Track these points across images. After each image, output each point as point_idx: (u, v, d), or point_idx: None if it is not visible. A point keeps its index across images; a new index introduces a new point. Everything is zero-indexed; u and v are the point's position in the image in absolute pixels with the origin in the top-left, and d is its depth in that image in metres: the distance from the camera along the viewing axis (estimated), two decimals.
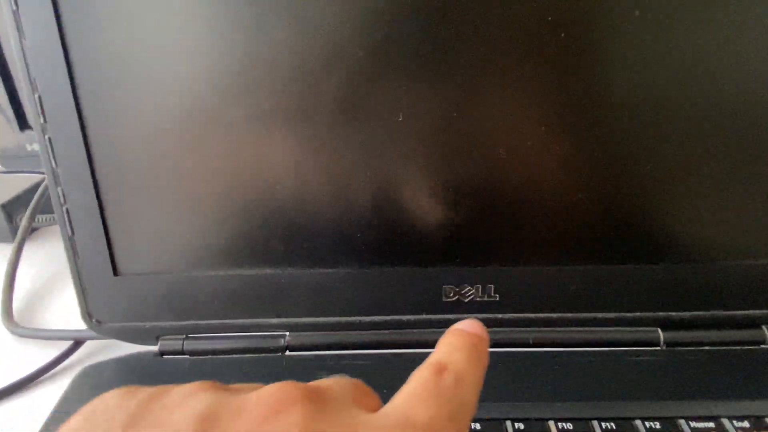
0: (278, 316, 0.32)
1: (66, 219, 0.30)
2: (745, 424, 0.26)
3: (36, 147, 0.50)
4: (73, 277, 0.31)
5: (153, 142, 0.29)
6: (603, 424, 0.27)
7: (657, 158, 0.29)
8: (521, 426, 0.27)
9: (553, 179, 0.30)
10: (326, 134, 0.28)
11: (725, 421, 0.26)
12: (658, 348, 0.31)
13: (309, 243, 0.31)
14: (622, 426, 0.26)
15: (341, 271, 0.31)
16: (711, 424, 0.26)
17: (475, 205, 0.30)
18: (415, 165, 0.29)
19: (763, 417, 0.26)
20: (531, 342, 0.31)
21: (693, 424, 0.26)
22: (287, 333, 0.32)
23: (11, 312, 0.39)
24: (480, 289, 0.31)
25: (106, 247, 0.30)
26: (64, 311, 0.41)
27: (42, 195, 0.45)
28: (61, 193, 0.29)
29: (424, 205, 0.30)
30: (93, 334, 0.35)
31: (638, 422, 0.26)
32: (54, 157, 0.29)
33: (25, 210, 0.45)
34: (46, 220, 0.47)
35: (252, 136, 0.29)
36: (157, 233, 0.30)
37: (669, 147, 0.28)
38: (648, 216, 0.30)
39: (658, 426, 0.26)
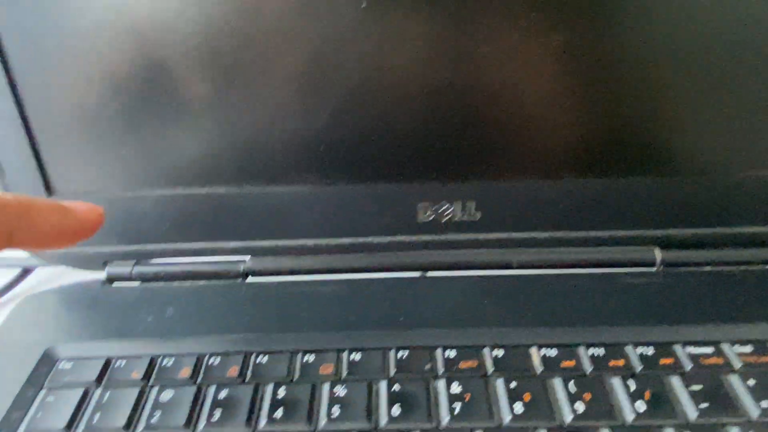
0: (236, 239, 0.29)
1: None
2: (747, 348, 0.24)
3: None
4: None
5: (81, 38, 0.25)
6: (591, 349, 0.24)
7: (653, 58, 0.25)
8: (500, 353, 0.24)
9: (540, 82, 0.26)
10: (280, 25, 0.24)
11: (725, 346, 0.24)
12: (654, 269, 0.28)
13: (266, 157, 0.27)
14: (612, 351, 0.24)
15: (304, 188, 0.28)
16: (709, 349, 0.24)
17: (453, 111, 0.26)
18: (385, 62, 0.25)
19: (766, 341, 0.24)
20: (514, 264, 0.28)
21: (689, 349, 0.24)
22: (247, 257, 0.29)
23: None
24: (460, 207, 0.28)
25: (34, 161, 0.27)
26: None
27: None
28: None
29: (395, 110, 0.26)
30: (41, 261, 0.32)
31: (629, 347, 0.24)
32: None
33: None
34: None
35: (198, 33, 0.24)
36: (93, 145, 0.27)
37: (666, 46, 0.24)
38: (644, 123, 0.26)
39: (651, 351, 0.24)
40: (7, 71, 0.25)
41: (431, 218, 0.28)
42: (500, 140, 0.27)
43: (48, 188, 0.27)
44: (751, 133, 0.26)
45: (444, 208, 0.28)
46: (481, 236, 0.28)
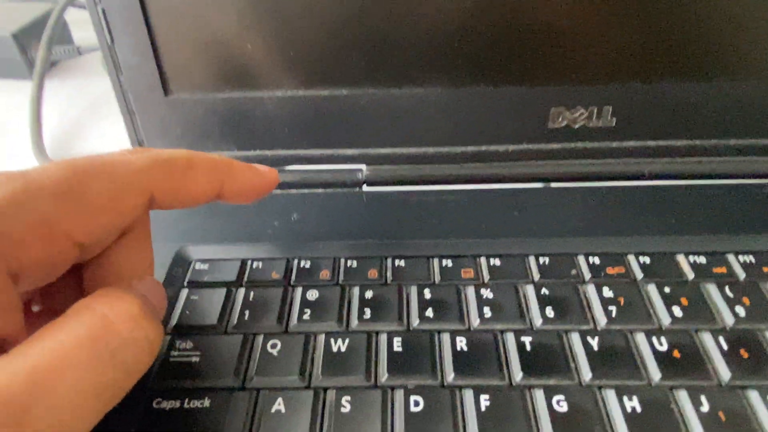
0: (356, 147, 0.28)
1: (103, 22, 0.25)
2: None
3: None
4: (118, 98, 0.27)
5: None
6: (741, 257, 0.23)
7: None
8: (647, 260, 0.24)
9: None
10: None
11: None
12: None
13: (392, 57, 0.26)
14: (762, 259, 0.23)
15: (429, 91, 0.26)
16: None
17: (592, 8, 0.24)
18: None
19: None
20: (647, 174, 0.27)
21: None
22: (365, 166, 0.28)
23: (44, 150, 0.35)
24: (595, 112, 0.26)
25: (153, 59, 0.25)
26: (102, 149, 0.37)
27: (57, 21, 0.39)
28: None
29: (531, 6, 0.24)
30: None
31: None
32: None
33: (39, 41, 0.40)
34: (64, 52, 0.41)
35: None
36: (214, 43, 0.25)
37: None
38: None
39: None
40: None
41: (563, 124, 0.27)
42: (641, 41, 0.25)
43: (165, 89, 0.26)
44: None
45: (578, 113, 0.26)
46: (614, 144, 0.27)
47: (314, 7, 0.25)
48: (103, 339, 0.14)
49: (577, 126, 0.27)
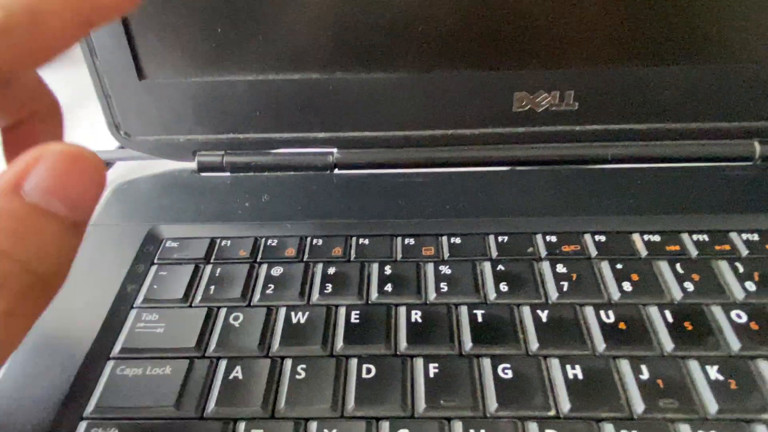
0: (326, 130, 0.29)
1: None
2: None
3: None
4: (94, 82, 0.28)
5: None
6: (695, 236, 0.24)
7: None
8: (602, 238, 0.24)
9: None
10: None
11: None
12: (752, 162, 0.28)
13: (360, 41, 0.26)
14: (715, 237, 0.24)
15: (397, 75, 0.27)
16: None
17: None
18: None
19: None
20: (610, 157, 0.28)
21: None
22: (335, 149, 0.29)
23: None
24: (557, 96, 0.27)
25: (127, 44, 0.26)
26: (83, 137, 0.38)
27: None
28: None
29: None
30: (121, 154, 0.33)
31: (734, 234, 0.24)
32: None
33: None
34: None
35: None
36: (186, 28, 0.26)
37: None
38: (745, 7, 0.25)
39: (756, 238, 0.24)
40: None
41: (527, 108, 0.27)
42: (601, 26, 0.26)
43: (139, 73, 0.27)
44: None
45: (541, 97, 0.27)
46: (578, 128, 0.27)
47: None
48: None
49: (540, 110, 0.27)
